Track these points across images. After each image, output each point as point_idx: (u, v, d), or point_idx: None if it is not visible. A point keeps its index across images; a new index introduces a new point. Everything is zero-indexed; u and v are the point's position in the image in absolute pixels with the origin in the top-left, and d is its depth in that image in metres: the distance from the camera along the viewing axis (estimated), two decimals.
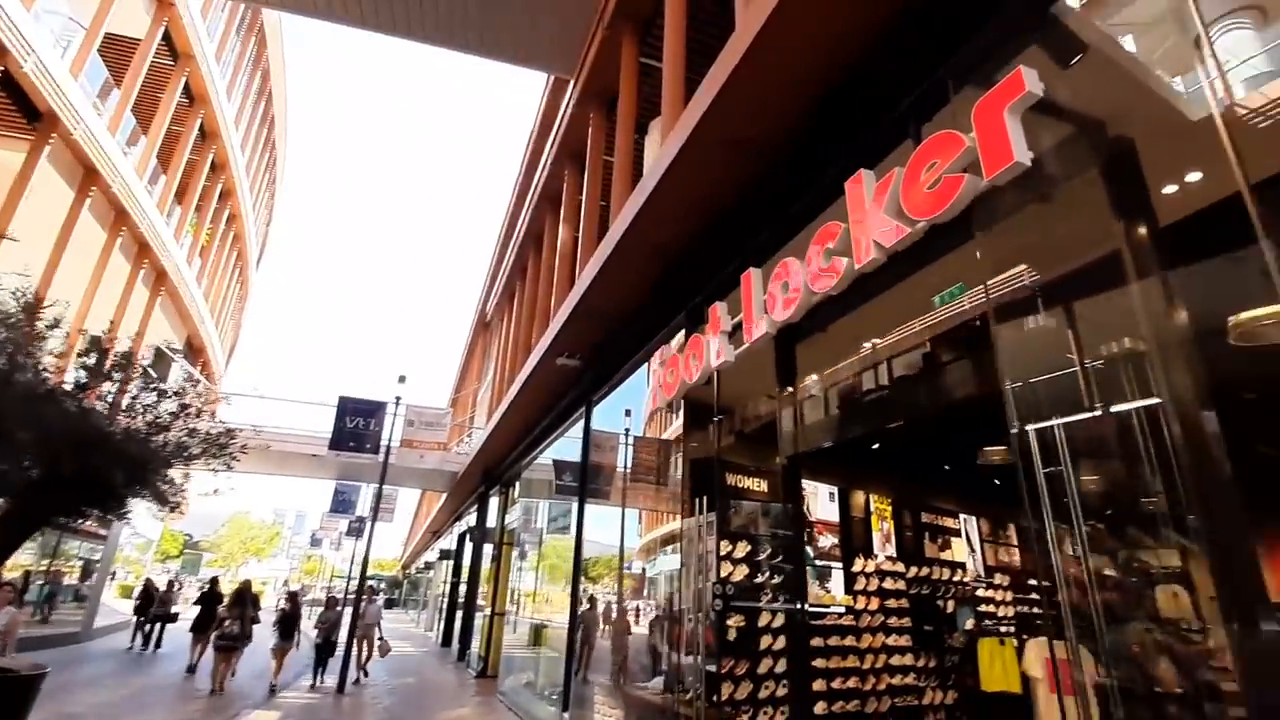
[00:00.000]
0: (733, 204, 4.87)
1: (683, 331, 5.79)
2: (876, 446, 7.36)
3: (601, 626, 6.73)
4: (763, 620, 6.55)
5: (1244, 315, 2.29)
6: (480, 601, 14.82)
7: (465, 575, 17.28)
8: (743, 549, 6.07)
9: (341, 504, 20.30)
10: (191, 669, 10.77)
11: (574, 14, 8.69)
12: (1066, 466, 2.58)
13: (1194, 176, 2.69)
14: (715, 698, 4.63)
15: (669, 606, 5.78)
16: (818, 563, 8.00)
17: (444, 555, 23.03)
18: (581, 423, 8.84)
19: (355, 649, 10.36)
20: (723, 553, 5.23)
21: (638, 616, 6.33)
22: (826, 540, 8.14)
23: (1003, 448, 8.03)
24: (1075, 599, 8.51)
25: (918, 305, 5.05)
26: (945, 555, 9.71)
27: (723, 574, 4.99)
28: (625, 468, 7.81)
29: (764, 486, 7.81)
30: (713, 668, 4.65)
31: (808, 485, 8.42)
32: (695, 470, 5.60)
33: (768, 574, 7.56)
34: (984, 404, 5.18)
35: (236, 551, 58.51)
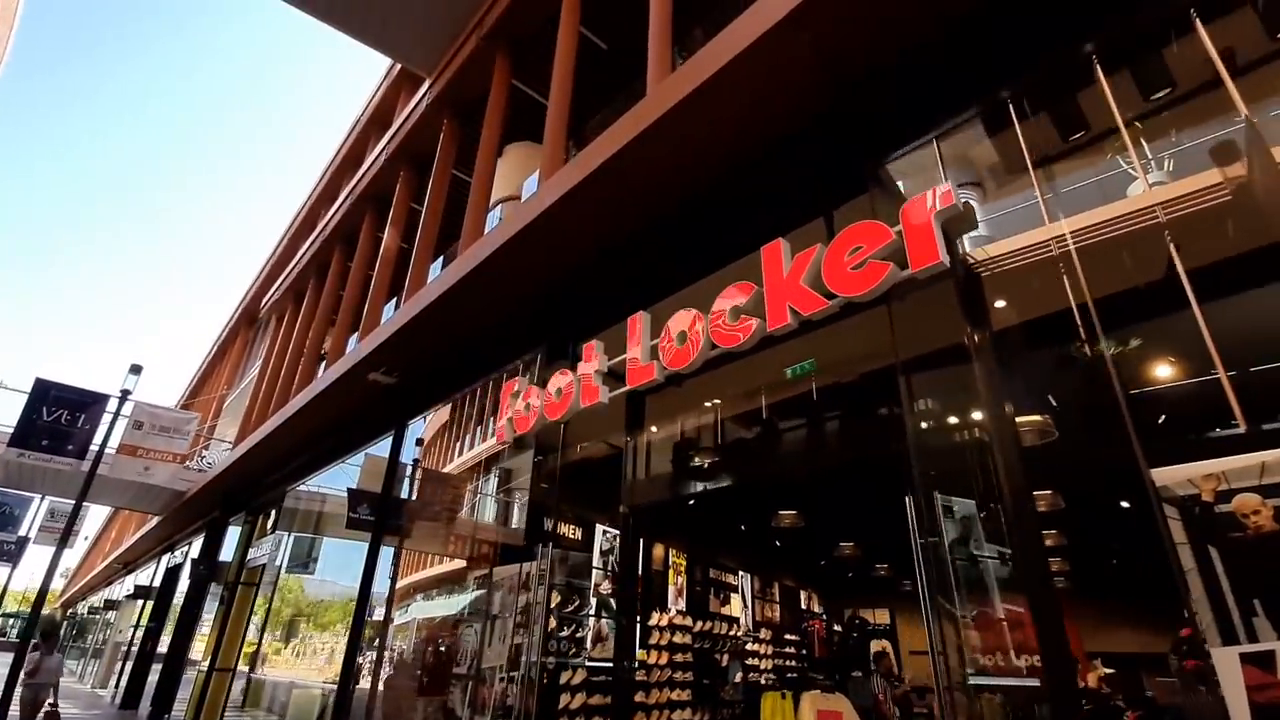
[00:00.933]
0: (621, 246, 4.79)
1: (535, 365, 5.47)
2: (692, 502, 7.60)
3: (379, 689, 5.81)
4: (564, 678, 6.23)
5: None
6: (195, 655, 12.07)
7: (173, 620, 14.04)
8: (556, 600, 5.76)
9: None
10: None
11: (447, 13, 8.17)
12: None
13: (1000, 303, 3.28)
14: None
15: (471, 664, 5.21)
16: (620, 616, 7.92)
17: (140, 593, 18.53)
18: (388, 446, 7.84)
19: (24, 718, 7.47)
20: (552, 604, 4.89)
21: (428, 680, 5.60)
22: None
23: (794, 511, 8.87)
24: (820, 651, 9.34)
25: (769, 373, 5.40)
26: (725, 610, 10.29)
27: (549, 626, 4.63)
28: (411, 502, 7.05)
29: (579, 535, 7.59)
30: None
31: (617, 535, 8.40)
32: (532, 512, 5.22)
33: (573, 628, 7.28)
34: (790, 473, 5.63)
35: None
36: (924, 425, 2.98)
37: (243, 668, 10.03)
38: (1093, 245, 2.81)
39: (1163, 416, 2.67)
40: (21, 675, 7.61)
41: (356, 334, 9.81)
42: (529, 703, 4.40)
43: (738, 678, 9.78)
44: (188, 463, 18.51)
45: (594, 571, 7.75)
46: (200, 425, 19.35)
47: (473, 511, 8.30)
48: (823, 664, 12.08)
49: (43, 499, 16.91)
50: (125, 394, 9.29)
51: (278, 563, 10.14)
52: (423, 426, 7.53)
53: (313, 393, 8.19)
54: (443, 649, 5.69)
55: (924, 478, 2.83)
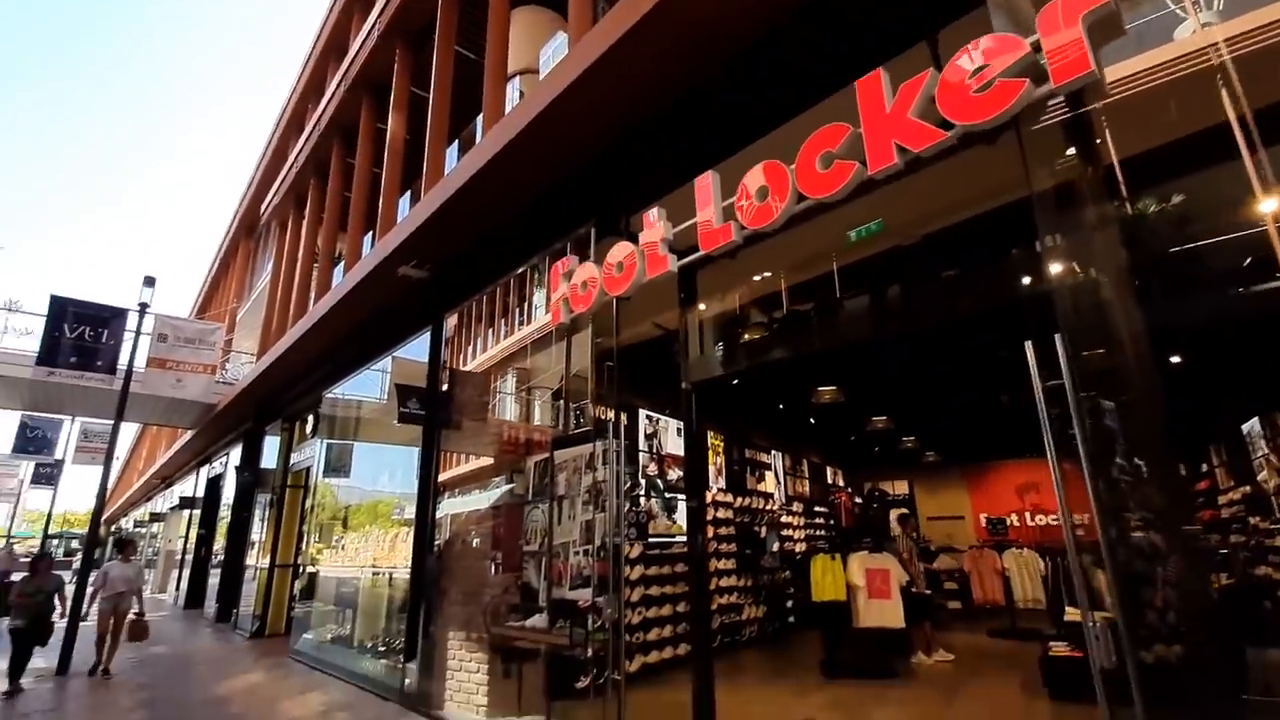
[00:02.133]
0: (681, 99, 4.38)
1: (586, 245, 5.20)
2: (736, 382, 7.56)
3: (452, 570, 6.02)
4: (624, 552, 6.45)
5: None
6: (251, 555, 12.66)
7: (225, 526, 14.63)
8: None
9: (32, 442, 15.63)
10: None
11: None
12: None
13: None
14: (627, 627, 4.37)
15: (543, 543, 5.35)
16: (667, 495, 8.14)
17: (185, 503, 19.26)
18: (418, 348, 7.72)
19: (101, 630, 7.73)
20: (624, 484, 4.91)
21: (502, 557, 5.77)
22: (674, 474, 8.30)
23: (834, 387, 8.89)
24: (847, 521, 9.61)
25: (829, 238, 5.13)
26: (760, 487, 10.62)
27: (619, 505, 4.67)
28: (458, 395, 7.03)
29: (624, 420, 7.62)
30: (596, 599, 4.36)
31: (660, 420, 8.47)
32: (597, 396, 5.15)
33: (630, 507, 7.46)
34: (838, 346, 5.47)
35: None
36: (1050, 267, 2.76)
37: (299, 560, 10.51)
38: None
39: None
40: (90, 589, 7.89)
41: (373, 233, 9.43)
42: (608, 571, 4.51)
43: (775, 547, 10.24)
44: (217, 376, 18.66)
45: (640, 455, 7.89)
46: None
47: (500, 410, 8.29)
48: (849, 533, 12.61)
49: (73, 420, 17.16)
50: (144, 307, 9.06)
51: (316, 467, 10.36)
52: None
53: (340, 294, 7.97)
54: (502, 532, 5.85)
55: (1054, 321, 2.65)
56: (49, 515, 18.03)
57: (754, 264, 5.57)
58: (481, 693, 5.39)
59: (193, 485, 19.21)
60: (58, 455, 17.61)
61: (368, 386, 9.78)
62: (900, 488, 16.45)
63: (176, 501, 20.09)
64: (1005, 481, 14.29)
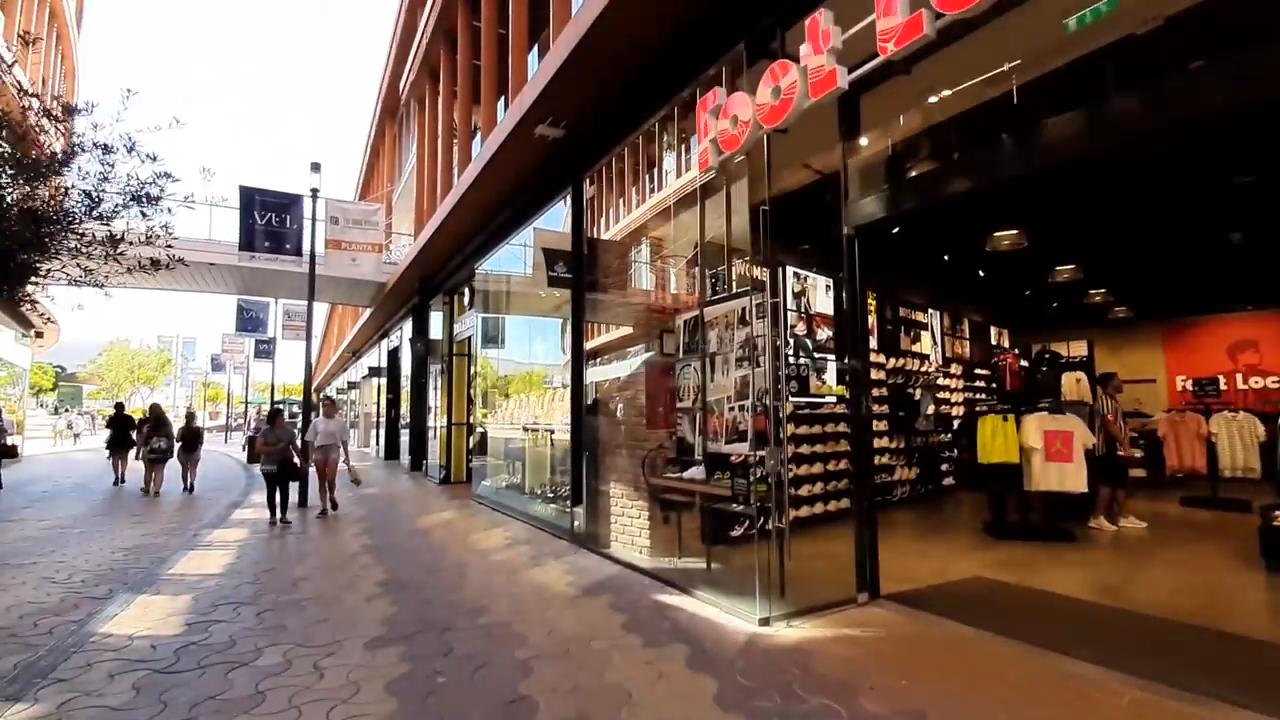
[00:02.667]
0: None
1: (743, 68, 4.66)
2: (896, 230, 6.82)
3: (609, 426, 6.32)
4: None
5: None
6: (431, 415, 14.31)
7: (404, 390, 16.56)
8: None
9: (249, 322, 18.38)
10: (118, 482, 12.13)
11: None
12: None
13: None
14: (787, 480, 4.35)
15: (696, 399, 5.36)
16: (816, 355, 7.84)
17: (373, 373, 22.02)
18: (557, 217, 7.72)
19: (319, 477, 9.22)
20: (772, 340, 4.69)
21: (655, 413, 5.91)
22: (823, 333, 7.92)
23: (1015, 230, 7.80)
24: (1012, 385, 8.56)
25: (1038, 34, 4.17)
26: (915, 348, 9.94)
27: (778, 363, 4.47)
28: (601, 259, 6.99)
29: (766, 277, 7.24)
30: (749, 451, 4.30)
31: (808, 277, 7.98)
32: (751, 247, 4.84)
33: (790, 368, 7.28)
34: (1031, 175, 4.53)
35: (123, 381, 54.26)
36: None
37: (472, 419, 11.69)
38: None
39: None
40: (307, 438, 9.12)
41: (505, 97, 9.27)
42: (765, 426, 4.43)
43: (930, 410, 9.72)
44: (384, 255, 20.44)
45: (789, 313, 7.56)
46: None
47: (636, 280, 8.17)
48: (1014, 397, 11.64)
49: (277, 303, 19.77)
50: (315, 192, 9.84)
51: (476, 337, 11.14)
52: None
53: (481, 163, 8.03)
54: (654, 390, 5.96)
55: None
56: (272, 384, 21.59)
57: (937, 75, 4.73)
58: (644, 535, 5.77)
59: (377, 357, 21.80)
60: (270, 333, 20.62)
61: (514, 263, 10.12)
62: (1077, 349, 14.71)
63: (366, 371, 23.03)
64: (1213, 339, 12.27)
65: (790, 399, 7.22)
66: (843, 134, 4.63)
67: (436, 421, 13.51)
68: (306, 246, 9.89)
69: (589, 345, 7.11)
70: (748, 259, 5.05)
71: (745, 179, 4.65)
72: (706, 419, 5.20)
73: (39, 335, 23.46)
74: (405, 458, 15.87)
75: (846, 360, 5.37)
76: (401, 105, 17.38)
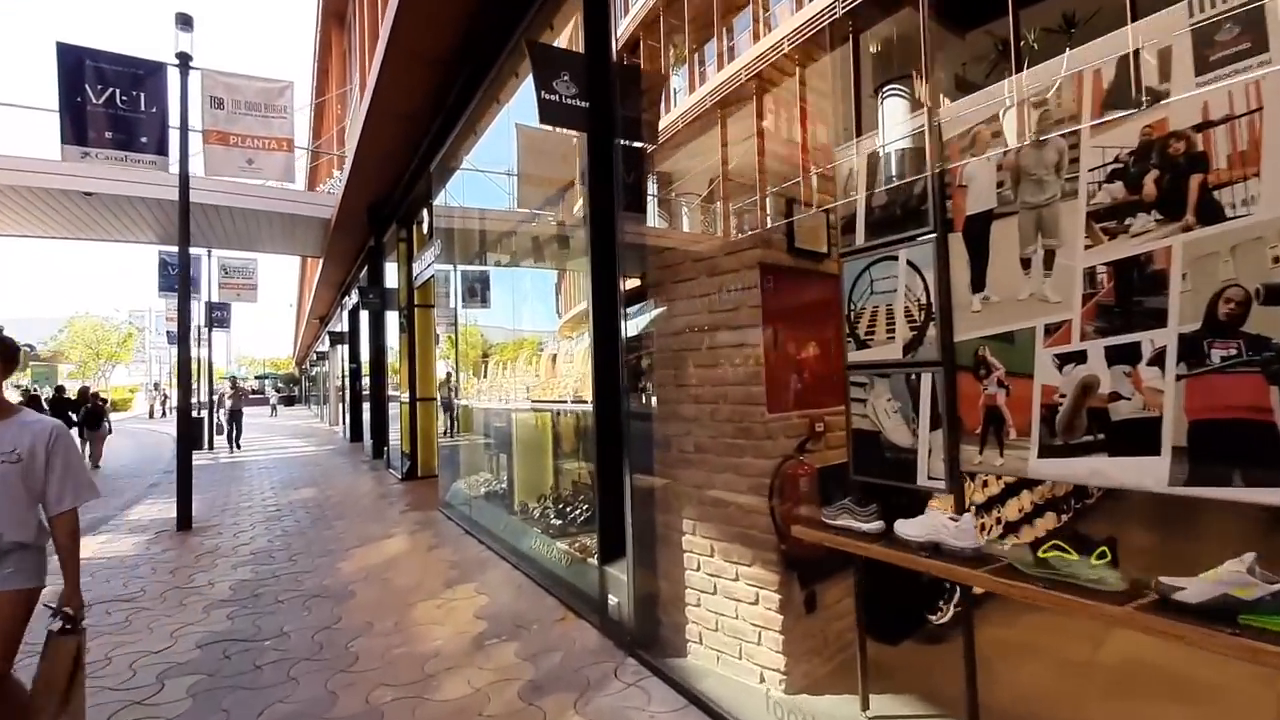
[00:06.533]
0: None
1: None
2: None
3: (676, 409, 3.08)
4: None
5: None
6: (393, 388, 11.11)
7: (367, 358, 13.32)
8: None
9: (175, 280, 14.87)
10: None
11: None
12: None
13: None
14: None
15: (917, 337, 2.16)
16: None
17: (335, 339, 18.70)
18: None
19: None
20: None
21: (789, 380, 2.69)
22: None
23: None
24: None
25: None
26: None
27: None
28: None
29: None
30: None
31: None
32: None
33: None
34: None
35: (89, 359, 50.60)
36: None
37: (448, 397, 8.48)
38: None
39: None
40: None
41: None
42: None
43: None
44: (322, 188, 16.89)
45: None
46: (331, 150, 17.27)
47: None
48: None
49: (210, 255, 16.33)
50: (185, 59, 6.43)
51: (450, 291, 7.84)
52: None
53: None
54: (785, 336, 2.76)
55: None
56: (209, 361, 18.48)
57: None
58: (768, 642, 2.62)
59: (341, 321, 18.43)
60: (207, 295, 17.15)
61: (491, 198, 6.88)
62: None
63: (328, 341, 19.68)
64: None
65: None
66: None
67: (401, 395, 10.29)
68: (175, 141, 6.51)
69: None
70: None
71: None
72: (994, 390, 2.04)
73: None
74: (368, 442, 12.70)
75: None
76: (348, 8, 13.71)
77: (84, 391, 13.98)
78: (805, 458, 2.65)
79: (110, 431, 13.58)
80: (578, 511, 4.48)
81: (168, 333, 28.90)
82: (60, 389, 14.62)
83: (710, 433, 2.87)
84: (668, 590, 3.09)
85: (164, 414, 36.36)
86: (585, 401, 4.03)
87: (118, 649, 3.42)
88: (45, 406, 12.44)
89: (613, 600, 3.22)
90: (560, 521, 4.42)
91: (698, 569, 2.93)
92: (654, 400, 3.20)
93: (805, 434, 2.72)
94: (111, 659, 3.31)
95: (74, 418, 12.50)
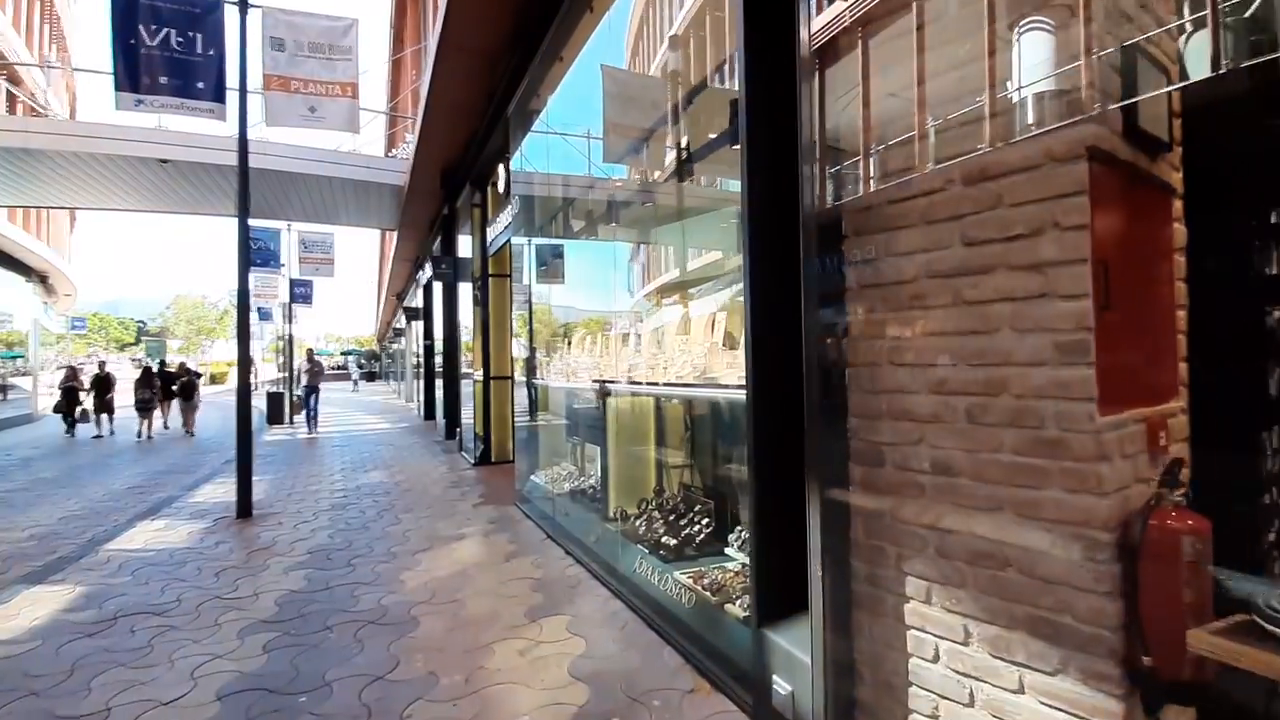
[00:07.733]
0: None
1: None
2: None
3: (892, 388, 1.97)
4: None
5: None
6: (466, 366, 10.45)
7: (441, 334, 12.76)
8: None
9: (258, 254, 14.83)
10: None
11: None
12: None
13: None
14: None
15: None
16: None
17: (410, 315, 18.43)
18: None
19: None
20: None
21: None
22: None
23: None
24: None
25: None
26: None
27: None
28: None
29: None
30: None
31: None
32: None
33: None
34: None
35: (191, 335, 53.91)
36: None
37: (527, 376, 7.61)
38: None
39: None
40: None
41: None
42: None
43: None
44: (397, 153, 16.42)
45: None
46: (406, 114, 16.79)
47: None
48: None
49: (289, 229, 16.25)
50: None
51: (525, 264, 6.89)
52: None
53: None
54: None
55: None
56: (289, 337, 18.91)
57: None
58: None
59: (417, 296, 18.12)
60: (288, 269, 17.14)
61: (571, 165, 5.88)
62: None
63: (403, 317, 19.47)
64: None
65: None
66: None
67: (475, 373, 9.56)
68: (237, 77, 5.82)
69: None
70: None
71: None
72: None
73: (43, 280, 21.06)
74: (441, 420, 12.16)
75: None
76: None
77: (181, 366, 15.78)
78: (1179, 497, 1.48)
79: (198, 405, 14.60)
80: (695, 528, 3.45)
81: (258, 309, 29.96)
82: (163, 363, 17.42)
83: (969, 442, 1.73)
84: (871, 681, 2.00)
85: (256, 387, 38.15)
86: (720, 385, 2.98)
87: (120, 695, 2.66)
88: (158, 379, 13.80)
89: (782, 687, 2.16)
90: (674, 541, 3.39)
91: (935, 659, 1.83)
92: (848, 387, 2.09)
93: (1155, 449, 1.55)
94: (111, 710, 2.55)
95: (174, 389, 14.03)
